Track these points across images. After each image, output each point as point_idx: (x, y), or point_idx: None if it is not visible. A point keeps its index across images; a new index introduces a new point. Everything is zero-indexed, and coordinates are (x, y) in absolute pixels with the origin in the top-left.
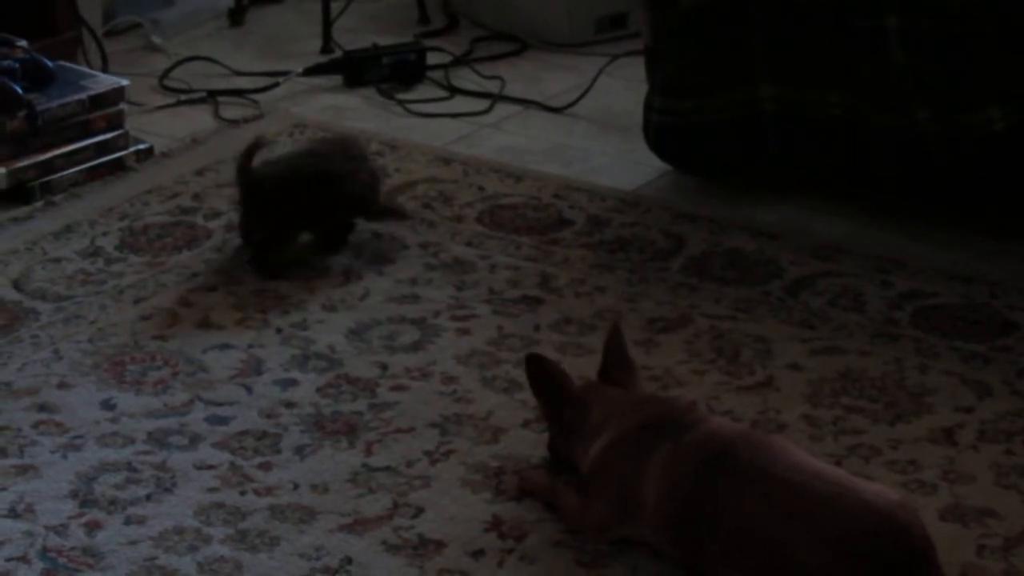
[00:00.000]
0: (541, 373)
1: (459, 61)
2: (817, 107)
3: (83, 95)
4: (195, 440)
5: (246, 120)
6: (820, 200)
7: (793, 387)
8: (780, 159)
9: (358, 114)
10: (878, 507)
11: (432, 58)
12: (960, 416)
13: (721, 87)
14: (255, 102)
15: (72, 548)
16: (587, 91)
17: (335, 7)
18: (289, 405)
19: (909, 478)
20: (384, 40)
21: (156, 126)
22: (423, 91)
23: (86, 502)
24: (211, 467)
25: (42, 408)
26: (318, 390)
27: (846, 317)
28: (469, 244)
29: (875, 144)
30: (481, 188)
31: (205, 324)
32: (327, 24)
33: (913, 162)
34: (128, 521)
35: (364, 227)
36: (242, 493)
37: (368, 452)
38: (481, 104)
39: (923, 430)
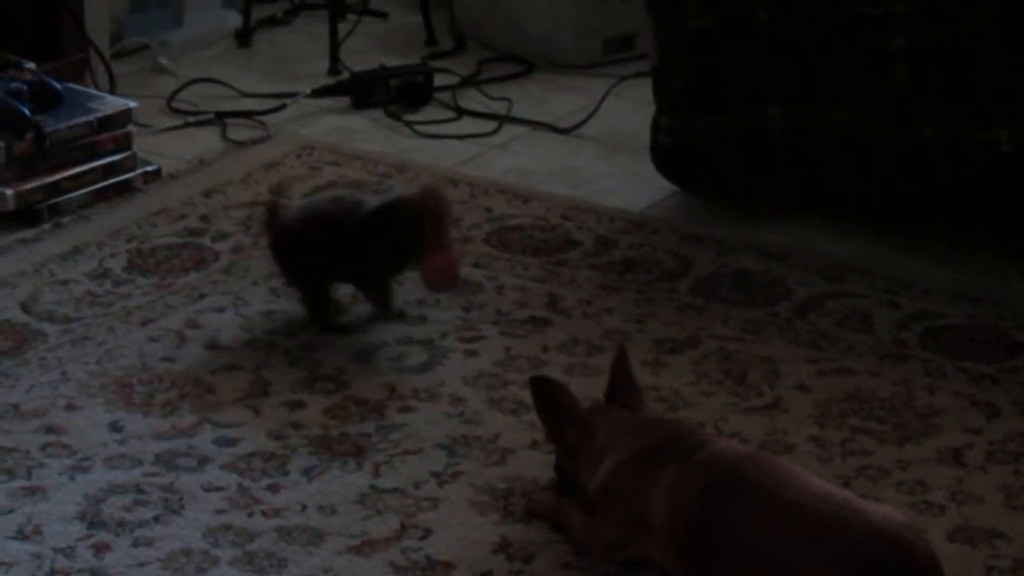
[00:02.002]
0: (546, 395)
1: (466, 82)
2: (824, 127)
3: (91, 117)
4: (203, 462)
5: (254, 142)
6: (828, 220)
7: (801, 408)
8: (787, 179)
9: (365, 135)
10: (886, 529)
11: (439, 79)
12: (968, 437)
13: (728, 107)
14: (263, 123)
15: (80, 570)
16: (594, 112)
17: (343, 28)
18: (297, 427)
19: (917, 499)
20: (391, 61)
21: (164, 148)
22: (430, 112)
23: (94, 524)
24: (219, 489)
25: (50, 430)
26: (326, 411)
27: (854, 338)
28: (476, 265)
29: (883, 164)
30: (488, 209)
31: (213, 346)
32: (334, 45)
33: (921, 182)
34: (136, 543)
35: None
36: (250, 515)
37: (376, 473)
38: (488, 125)
39: (931, 451)
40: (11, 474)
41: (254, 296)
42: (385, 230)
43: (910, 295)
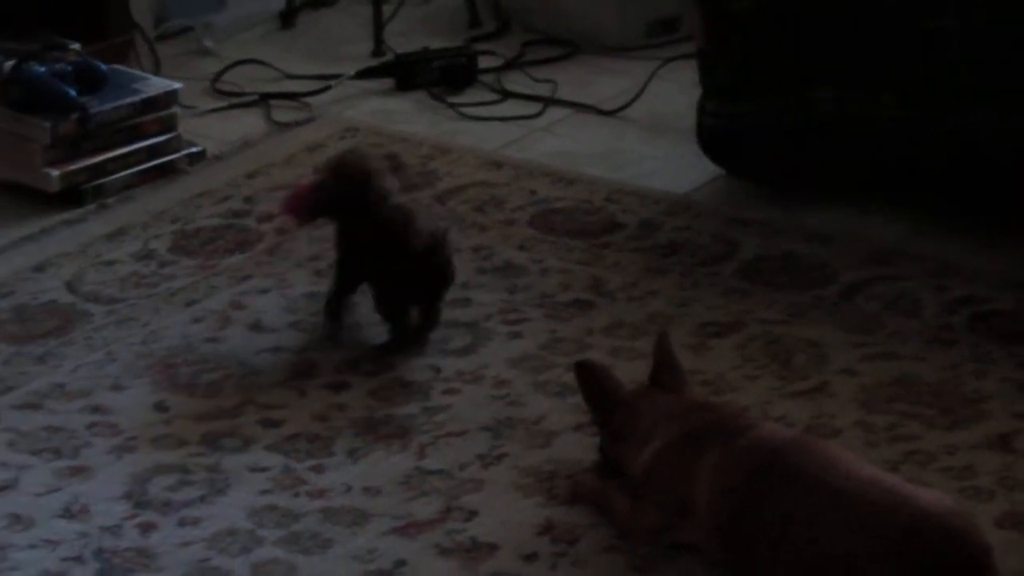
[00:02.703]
0: (591, 379)
1: (510, 64)
2: (872, 109)
3: (135, 98)
4: (248, 442)
5: (298, 123)
6: (875, 204)
7: (847, 393)
8: (834, 162)
9: (409, 117)
10: (935, 514)
11: (483, 61)
12: (1016, 422)
13: (775, 90)
14: (307, 105)
15: (126, 549)
16: (639, 94)
17: (386, 10)
18: (341, 408)
19: (965, 484)
20: (435, 43)
21: (208, 129)
22: (474, 94)
23: (140, 503)
24: (264, 469)
25: (96, 410)
26: (370, 393)
27: (901, 322)
28: (521, 248)
29: (931, 146)
30: (532, 192)
31: (257, 327)
32: (378, 27)
33: (970, 165)
34: (182, 523)
35: None
36: (295, 495)
37: (421, 455)
38: (532, 107)
39: (979, 436)
40: (58, 453)
41: (298, 277)
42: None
43: (958, 279)
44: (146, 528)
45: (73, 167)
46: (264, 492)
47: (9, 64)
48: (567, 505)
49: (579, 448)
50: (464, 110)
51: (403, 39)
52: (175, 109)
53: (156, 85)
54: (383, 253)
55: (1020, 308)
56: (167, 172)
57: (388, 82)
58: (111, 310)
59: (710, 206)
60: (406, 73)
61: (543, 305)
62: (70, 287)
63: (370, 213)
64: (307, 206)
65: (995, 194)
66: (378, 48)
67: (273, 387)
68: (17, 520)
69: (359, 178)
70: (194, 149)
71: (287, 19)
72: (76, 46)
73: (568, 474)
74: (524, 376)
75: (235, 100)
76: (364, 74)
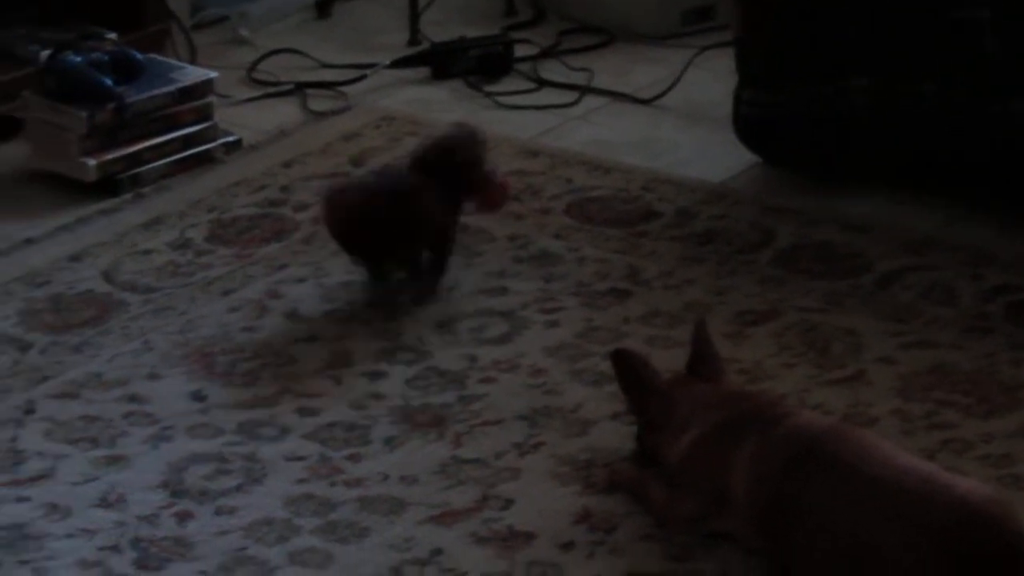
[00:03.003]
0: (628, 368)
1: (546, 53)
2: (909, 99)
3: (172, 87)
4: (284, 431)
5: (334, 112)
6: (911, 193)
7: (884, 381)
8: (871, 151)
9: (445, 106)
10: (972, 502)
11: (519, 50)
12: None
13: (811, 79)
14: (343, 94)
15: (163, 538)
16: (675, 83)
17: None
18: (378, 397)
19: (1003, 472)
20: (471, 32)
21: (244, 118)
22: (510, 83)
23: (176, 492)
24: (300, 458)
25: (132, 399)
26: (407, 382)
27: (937, 311)
28: (557, 236)
29: (967, 136)
30: (569, 180)
31: (294, 316)
32: (414, 16)
33: (1006, 153)
34: (218, 512)
35: None
36: (331, 484)
37: (457, 444)
38: (569, 96)
39: (1016, 424)
40: (94, 442)
41: (335, 266)
42: (430, 178)
43: (993, 268)
44: (183, 517)
45: (109, 156)
46: (301, 481)
47: (46, 54)
48: (604, 494)
49: (616, 437)
50: (500, 99)
51: (439, 28)
52: (211, 98)
53: (192, 74)
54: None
55: None
56: (203, 161)
57: (424, 71)
58: (148, 299)
59: (746, 194)
60: (442, 62)
61: (579, 294)
62: (107, 276)
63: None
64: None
65: None
66: (414, 37)
67: (310, 376)
68: (54, 509)
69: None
70: (230, 138)
71: (323, 8)
72: (112, 36)
73: (605, 463)
74: (560, 365)
75: (271, 89)
76: (400, 63)
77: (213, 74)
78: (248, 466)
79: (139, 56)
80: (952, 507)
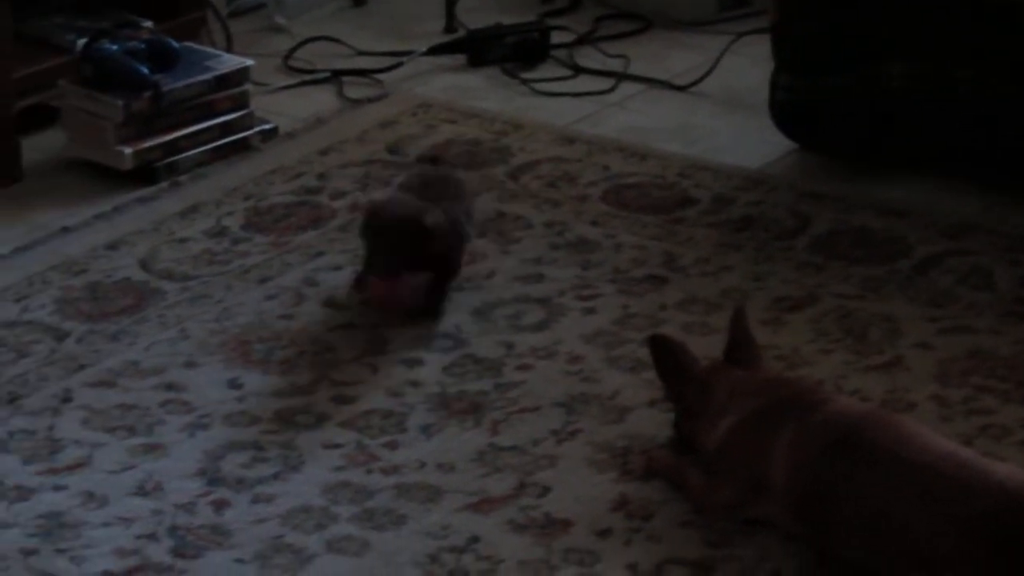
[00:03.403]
0: (665, 354)
1: (583, 40)
2: (946, 84)
3: (208, 75)
4: (321, 419)
5: (370, 100)
6: (948, 178)
7: (922, 367)
8: (908, 136)
9: (481, 93)
10: (1010, 488)
11: (555, 37)
12: None
13: (849, 64)
14: (379, 82)
15: (200, 526)
16: (712, 69)
17: None
18: (415, 384)
19: None
20: (507, 19)
21: (280, 106)
22: (546, 70)
23: (213, 480)
24: (337, 446)
25: (169, 387)
26: (443, 369)
27: (975, 296)
28: (594, 223)
29: (1004, 121)
30: (605, 167)
31: (330, 303)
32: (450, 3)
33: None
34: (255, 500)
35: (488, 207)
36: (368, 472)
37: (494, 431)
38: (605, 83)
39: None
40: (131, 431)
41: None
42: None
43: None
44: (220, 505)
45: (146, 145)
46: (338, 469)
47: (82, 42)
48: (641, 480)
49: (653, 423)
50: (536, 86)
51: (475, 15)
52: (247, 86)
53: (228, 62)
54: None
55: None
56: (240, 149)
57: (460, 58)
58: (184, 287)
59: (783, 181)
60: (478, 49)
61: (616, 281)
62: (143, 265)
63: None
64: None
65: None
66: (450, 24)
67: (346, 363)
68: (91, 498)
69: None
70: (266, 126)
71: None
72: (148, 24)
73: (642, 449)
74: (597, 352)
75: (307, 77)
76: (436, 50)
77: (249, 62)
78: (285, 454)
79: (175, 44)
80: (990, 493)
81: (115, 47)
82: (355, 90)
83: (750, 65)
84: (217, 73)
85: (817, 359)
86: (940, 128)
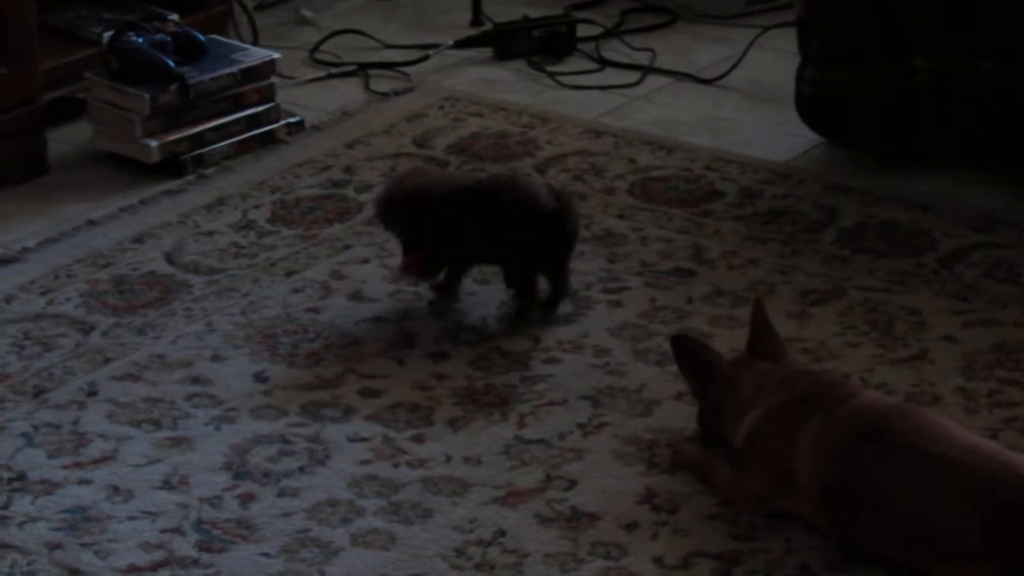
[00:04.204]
0: (688, 352)
1: (609, 33)
2: (971, 78)
3: (234, 68)
4: (348, 412)
5: (397, 93)
6: (974, 171)
7: (948, 360)
8: (933, 130)
9: (508, 87)
10: None
11: (582, 30)
12: None
13: (874, 58)
14: (406, 75)
15: (226, 520)
16: (738, 63)
17: None
18: (441, 377)
19: None
20: (534, 12)
21: (307, 99)
22: (573, 63)
23: (239, 474)
24: (364, 439)
25: (195, 380)
26: (470, 363)
27: (1001, 289)
28: (621, 216)
29: None
30: (632, 160)
31: (357, 297)
32: None
33: None
34: (281, 493)
35: None
36: (395, 465)
37: (521, 425)
38: (632, 76)
39: None
40: (158, 424)
41: (398, 247)
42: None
43: None
44: (246, 499)
45: (172, 137)
46: (364, 462)
47: (108, 35)
48: (668, 474)
49: (680, 416)
50: (563, 79)
51: (502, 8)
52: (274, 79)
53: (255, 55)
54: (510, 224)
55: None
56: (266, 142)
57: (487, 51)
58: (211, 280)
59: (810, 174)
60: (505, 42)
61: (643, 274)
62: (169, 258)
63: (464, 199)
64: (424, 269)
65: None
66: (477, 18)
67: (373, 357)
68: (117, 491)
69: (422, 197)
70: (293, 119)
71: None
72: (175, 17)
73: (669, 443)
74: (624, 345)
75: (334, 70)
76: (463, 44)
77: (276, 55)
78: (311, 447)
79: (201, 37)
80: (1015, 485)
81: (141, 40)
82: (382, 83)
83: (776, 59)
84: (244, 66)
85: (843, 352)
86: (965, 121)
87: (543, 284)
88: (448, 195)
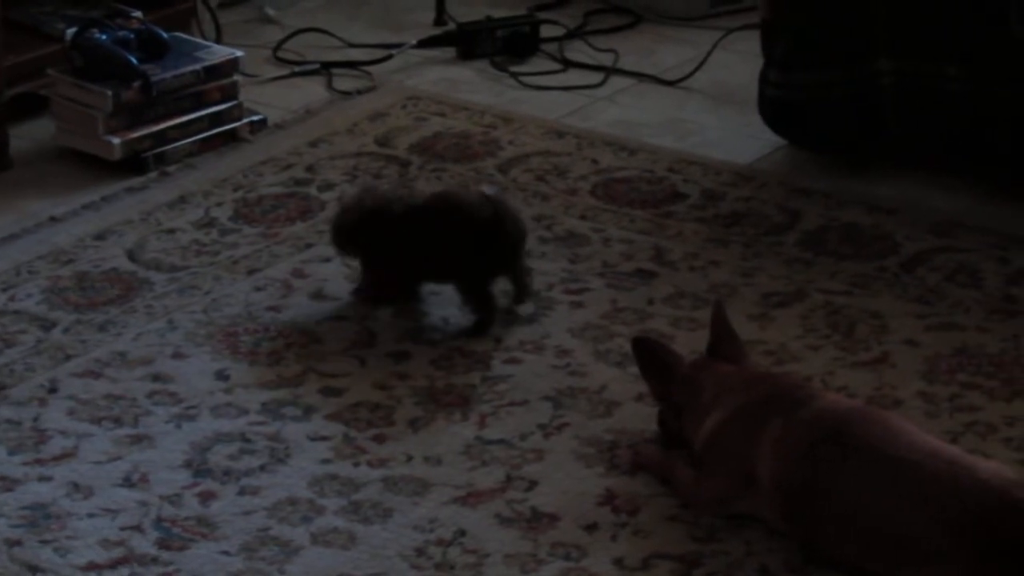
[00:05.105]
0: (648, 355)
1: (573, 34)
2: (935, 81)
3: (197, 66)
4: (309, 411)
5: (359, 92)
6: (937, 175)
7: (909, 363)
8: (897, 133)
9: (471, 87)
10: (995, 486)
11: (545, 31)
12: None
13: (838, 61)
14: (368, 74)
15: (186, 518)
16: (701, 64)
17: None
18: (402, 377)
19: None
20: (498, 13)
21: (270, 97)
22: (536, 64)
23: (200, 472)
24: (325, 438)
25: (156, 378)
26: (431, 362)
27: (963, 293)
28: (583, 217)
29: (993, 119)
30: (595, 161)
31: (319, 296)
32: None
33: None
34: (242, 491)
35: None
36: (355, 465)
37: (481, 425)
38: (595, 77)
39: None
40: (118, 422)
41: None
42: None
43: (1019, 250)
44: (206, 497)
45: (135, 135)
46: (325, 461)
47: (71, 31)
48: (628, 475)
49: (641, 418)
50: (526, 79)
51: (466, 8)
52: (237, 77)
53: (218, 53)
54: (448, 241)
55: None
56: (229, 140)
57: (450, 51)
58: (172, 278)
59: (773, 176)
60: (468, 42)
61: (605, 275)
62: (131, 255)
63: (411, 220)
64: (383, 291)
65: None
66: (440, 17)
67: (334, 356)
68: (77, 489)
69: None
70: (256, 117)
71: None
72: (138, 14)
73: (630, 444)
74: (586, 346)
75: (297, 68)
76: (426, 43)
77: (239, 53)
78: (272, 446)
79: (165, 34)
80: (975, 490)
81: (105, 37)
82: (345, 82)
83: (740, 61)
84: (207, 64)
85: (805, 355)
86: (929, 125)
87: (506, 285)
88: (399, 216)
